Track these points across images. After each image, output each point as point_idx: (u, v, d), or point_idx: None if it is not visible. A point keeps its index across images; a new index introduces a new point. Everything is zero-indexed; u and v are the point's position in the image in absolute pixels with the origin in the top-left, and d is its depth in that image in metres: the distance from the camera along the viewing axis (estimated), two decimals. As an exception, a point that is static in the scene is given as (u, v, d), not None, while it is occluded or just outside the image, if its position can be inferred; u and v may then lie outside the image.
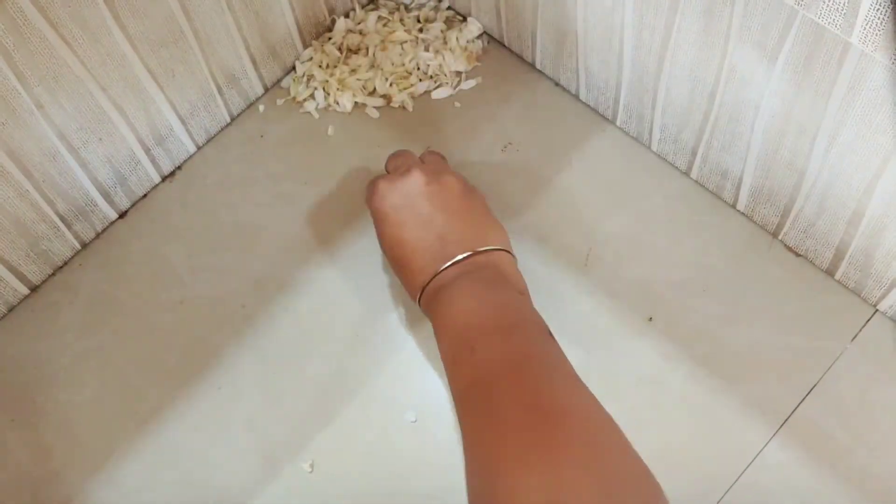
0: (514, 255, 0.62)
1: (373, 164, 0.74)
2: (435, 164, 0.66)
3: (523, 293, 0.60)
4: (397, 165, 0.66)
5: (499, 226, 0.63)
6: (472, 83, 0.77)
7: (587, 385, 0.53)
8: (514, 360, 0.53)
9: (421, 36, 0.77)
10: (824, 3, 0.47)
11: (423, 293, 0.60)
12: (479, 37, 0.78)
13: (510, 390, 0.51)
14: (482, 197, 0.64)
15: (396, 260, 0.62)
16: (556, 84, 0.76)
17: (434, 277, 0.59)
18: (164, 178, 0.74)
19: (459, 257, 0.59)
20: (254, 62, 0.75)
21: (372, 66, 0.77)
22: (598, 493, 0.44)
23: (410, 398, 0.65)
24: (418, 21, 0.79)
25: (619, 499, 0.45)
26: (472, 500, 0.49)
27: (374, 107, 0.76)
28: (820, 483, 0.60)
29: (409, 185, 0.62)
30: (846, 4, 0.46)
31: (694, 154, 0.69)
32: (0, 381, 0.67)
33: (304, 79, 0.77)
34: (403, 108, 0.76)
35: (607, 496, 0.44)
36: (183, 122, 0.72)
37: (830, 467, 0.61)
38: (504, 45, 0.78)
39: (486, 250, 0.60)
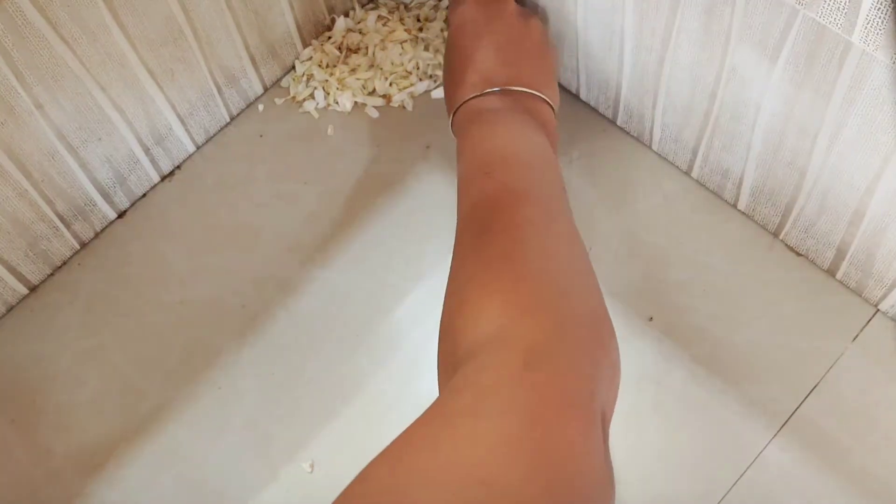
0: (556, 115, 0.64)
1: (373, 163, 0.74)
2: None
3: (553, 148, 0.61)
4: None
5: (555, 81, 0.65)
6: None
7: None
8: (522, 194, 0.54)
9: (421, 35, 0.77)
10: (825, 2, 0.47)
11: (461, 107, 0.62)
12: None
13: (506, 219, 0.53)
14: (556, 55, 0.68)
15: (452, 69, 0.64)
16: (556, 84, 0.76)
17: (478, 97, 0.61)
18: (163, 178, 0.74)
19: (513, 88, 0.61)
20: (253, 61, 0.74)
21: (372, 66, 0.76)
22: (549, 328, 0.46)
23: (410, 398, 0.65)
24: (418, 20, 0.79)
25: (566, 336, 0.46)
26: (444, 309, 0.52)
27: (374, 106, 0.76)
28: (821, 483, 0.60)
29: (498, 10, 0.65)
30: (847, 4, 0.46)
31: (694, 153, 0.68)
32: (0, 381, 0.68)
33: (304, 78, 0.77)
34: (403, 107, 0.76)
35: (557, 333, 0.46)
36: (182, 121, 0.72)
37: (831, 467, 0.60)
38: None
39: (537, 95, 0.62)
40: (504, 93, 0.62)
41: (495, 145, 0.58)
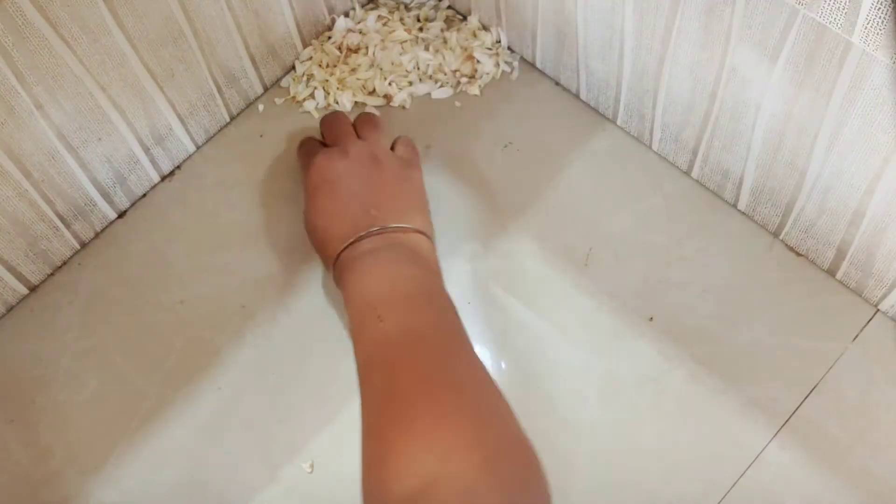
0: (432, 242, 0.64)
1: (373, 163, 0.73)
2: (403, 153, 0.69)
3: (436, 274, 0.62)
4: (336, 136, 0.69)
5: (425, 210, 0.66)
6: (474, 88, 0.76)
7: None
8: (418, 332, 0.55)
9: (421, 35, 0.77)
10: (825, 2, 0.47)
11: (337, 260, 0.62)
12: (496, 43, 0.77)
13: (409, 360, 0.53)
14: (420, 180, 0.68)
15: (318, 229, 0.64)
16: (557, 83, 0.76)
17: (350, 246, 0.61)
18: (163, 178, 0.74)
19: (375, 229, 0.61)
20: (253, 61, 0.74)
21: (371, 66, 0.76)
22: (479, 464, 0.46)
23: (410, 398, 0.65)
24: (418, 20, 0.79)
25: (497, 470, 0.47)
26: (364, 462, 0.51)
27: (374, 106, 0.76)
28: (821, 483, 0.60)
29: (347, 164, 0.65)
30: (847, 4, 0.46)
31: (695, 153, 0.68)
32: (0, 381, 0.68)
33: (304, 78, 0.77)
34: (403, 107, 0.76)
35: (487, 468, 0.46)
36: (182, 121, 0.72)
37: (832, 467, 0.60)
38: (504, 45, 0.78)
39: (404, 228, 0.62)
40: (375, 234, 0.62)
41: (379, 287, 0.58)
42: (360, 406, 0.54)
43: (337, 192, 0.64)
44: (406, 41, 0.77)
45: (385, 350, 0.55)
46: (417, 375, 0.52)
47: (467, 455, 0.47)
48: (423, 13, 0.79)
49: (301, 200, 0.72)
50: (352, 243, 0.61)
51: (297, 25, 0.76)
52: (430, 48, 0.77)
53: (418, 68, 0.77)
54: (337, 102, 0.76)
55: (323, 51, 0.77)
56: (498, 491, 0.45)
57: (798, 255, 0.67)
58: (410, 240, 0.62)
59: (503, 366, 0.65)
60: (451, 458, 0.47)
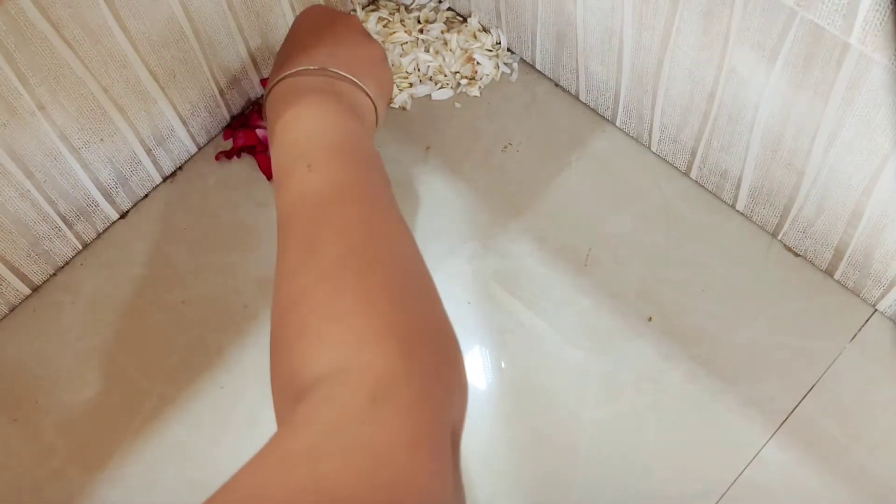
0: (376, 115, 0.60)
1: (373, 164, 0.74)
2: None
3: (372, 138, 0.59)
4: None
5: (386, 97, 0.62)
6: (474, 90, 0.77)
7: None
8: (349, 190, 0.51)
9: (421, 37, 0.78)
10: (824, 3, 0.48)
11: (276, 85, 0.58)
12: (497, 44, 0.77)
13: (336, 221, 0.50)
14: (388, 64, 0.64)
15: (280, 55, 0.62)
16: (556, 84, 0.76)
17: (294, 73, 0.58)
18: (165, 179, 0.75)
19: (333, 70, 0.58)
20: (254, 63, 0.75)
21: (372, 67, 0.77)
22: (394, 354, 0.43)
23: (411, 398, 0.65)
24: (418, 22, 0.79)
25: (412, 360, 0.44)
26: (275, 331, 0.48)
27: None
28: (819, 482, 0.60)
29: (329, 12, 0.64)
30: (845, 5, 0.47)
31: (693, 154, 0.69)
32: (2, 380, 0.68)
33: (305, 79, 0.77)
34: (404, 108, 0.76)
35: (402, 358, 0.43)
36: (184, 122, 0.73)
37: (829, 467, 0.61)
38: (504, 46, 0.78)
39: (352, 80, 0.59)
40: (323, 74, 0.58)
41: (314, 130, 0.54)
42: (277, 260, 0.50)
43: (317, 29, 0.62)
44: (406, 43, 0.77)
45: (311, 204, 0.51)
46: (343, 242, 0.48)
47: (382, 343, 0.43)
48: (423, 15, 0.79)
49: (302, 201, 0.73)
50: (290, 75, 0.58)
51: (298, 27, 0.76)
52: (431, 50, 0.77)
53: (419, 70, 0.77)
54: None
55: (324, 52, 0.77)
56: (409, 384, 0.42)
57: (796, 255, 0.68)
58: (358, 98, 0.58)
59: (503, 366, 0.65)
60: (366, 345, 0.44)
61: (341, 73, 0.59)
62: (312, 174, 0.52)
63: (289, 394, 0.45)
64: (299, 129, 0.55)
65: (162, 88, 0.69)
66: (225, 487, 0.39)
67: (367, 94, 0.59)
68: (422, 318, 0.47)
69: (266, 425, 0.64)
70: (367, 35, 0.64)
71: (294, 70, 0.58)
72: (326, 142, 0.54)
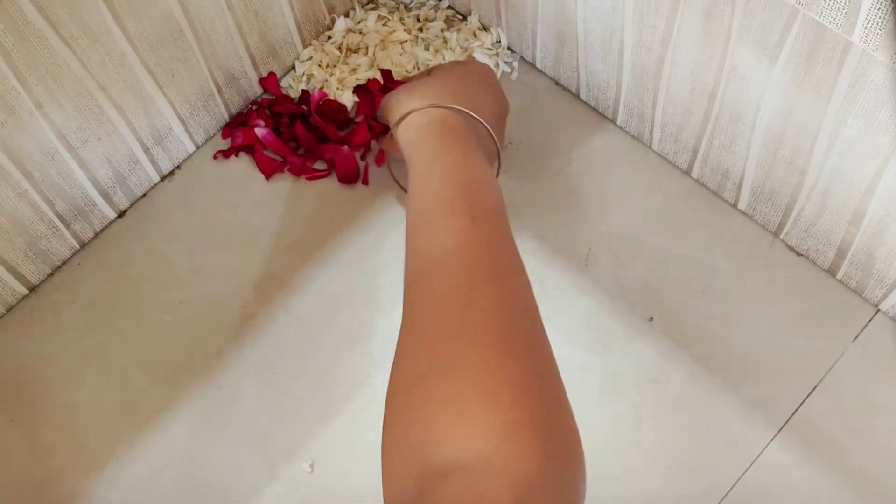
0: (497, 146, 0.61)
1: (372, 163, 0.73)
2: None
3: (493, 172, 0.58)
4: None
5: (502, 123, 0.63)
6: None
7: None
8: (507, 257, 0.49)
9: (421, 35, 0.77)
10: (825, 2, 0.47)
11: (409, 114, 0.58)
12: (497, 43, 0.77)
13: (495, 291, 0.46)
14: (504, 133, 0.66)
15: (426, 81, 0.62)
16: (557, 83, 0.76)
17: (432, 108, 0.58)
18: (163, 178, 0.74)
19: (453, 106, 0.58)
20: (253, 61, 0.74)
21: (372, 66, 0.76)
22: (542, 459, 0.41)
23: (410, 398, 0.65)
24: (418, 20, 0.79)
25: (556, 463, 0.41)
26: (403, 391, 0.45)
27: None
28: (821, 483, 0.60)
29: (494, 78, 0.66)
30: (847, 4, 0.46)
31: (695, 153, 0.68)
32: (0, 381, 0.67)
33: (304, 78, 0.77)
34: (403, 107, 0.76)
35: (548, 459, 0.41)
36: (182, 121, 0.72)
37: (831, 468, 0.60)
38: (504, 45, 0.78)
39: (488, 129, 0.59)
40: (463, 115, 0.58)
41: (466, 176, 0.52)
42: (412, 308, 0.46)
43: (458, 76, 0.62)
44: (406, 41, 0.77)
45: (468, 261, 0.47)
46: (501, 314, 0.45)
47: (532, 441, 0.41)
48: (423, 13, 0.79)
49: (301, 200, 0.73)
50: (428, 107, 0.57)
51: (298, 25, 0.76)
52: (431, 48, 0.77)
53: (418, 68, 0.77)
54: (337, 102, 0.76)
55: (323, 51, 0.77)
56: (554, 489, 0.40)
57: (798, 254, 0.67)
58: (487, 140, 0.59)
59: (503, 366, 0.65)
60: (516, 438, 0.40)
61: (478, 117, 0.59)
62: (475, 228, 0.49)
63: (412, 462, 0.42)
64: (448, 169, 0.52)
65: (160, 87, 0.69)
66: None
67: (495, 143, 0.60)
68: (564, 420, 0.44)
69: (264, 425, 0.64)
70: (498, 83, 0.66)
71: (433, 103, 0.58)
72: (484, 194, 0.51)
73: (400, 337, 0.47)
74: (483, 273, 0.47)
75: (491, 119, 0.61)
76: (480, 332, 0.44)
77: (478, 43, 0.77)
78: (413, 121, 0.59)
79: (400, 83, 0.73)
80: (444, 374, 0.43)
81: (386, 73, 0.75)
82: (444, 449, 0.41)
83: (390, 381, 0.45)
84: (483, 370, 0.43)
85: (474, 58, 0.72)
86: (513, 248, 0.50)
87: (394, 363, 0.46)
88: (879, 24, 0.46)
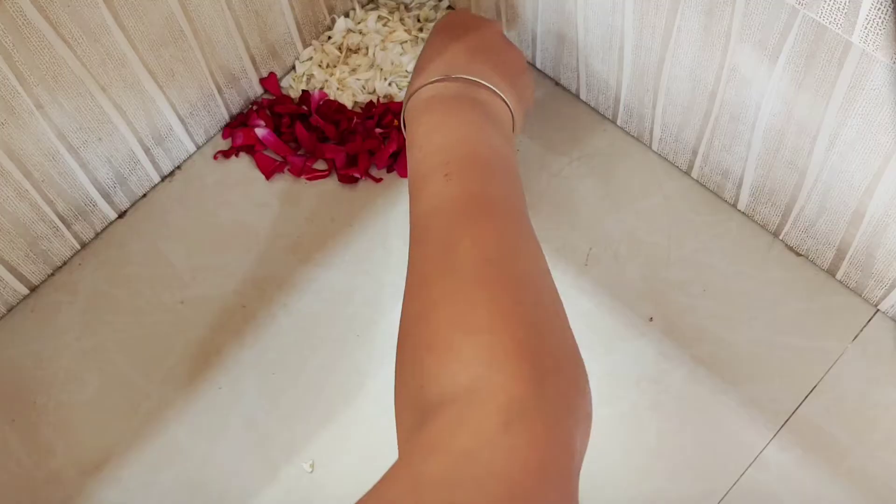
0: (515, 117, 0.60)
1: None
2: None
3: (513, 148, 0.58)
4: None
5: (525, 105, 0.62)
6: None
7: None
8: (487, 202, 0.50)
9: (421, 35, 0.77)
10: (825, 2, 0.47)
11: (415, 93, 0.58)
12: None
13: (474, 232, 0.48)
14: (532, 83, 0.65)
15: (419, 60, 0.61)
16: (557, 84, 0.76)
17: (435, 82, 0.57)
18: (163, 178, 0.74)
19: (474, 79, 0.57)
20: (253, 62, 0.74)
21: (372, 66, 0.77)
22: (527, 377, 0.42)
23: (411, 398, 0.65)
24: (418, 20, 0.79)
25: (545, 386, 0.42)
26: (404, 341, 0.47)
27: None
28: (820, 483, 0.60)
29: (486, 24, 0.63)
30: (847, 4, 0.46)
31: (694, 153, 0.68)
32: (0, 380, 0.67)
33: (304, 78, 0.77)
34: (403, 107, 0.76)
35: (535, 382, 0.42)
36: (182, 121, 0.72)
37: (831, 468, 0.60)
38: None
39: (498, 94, 0.58)
40: (463, 83, 0.58)
41: (453, 138, 0.54)
42: (408, 270, 0.49)
43: (458, 37, 0.61)
44: (406, 41, 0.77)
45: (448, 213, 0.50)
46: (479, 254, 0.47)
47: (518, 365, 0.42)
48: (423, 13, 0.79)
49: (301, 200, 0.73)
50: (436, 81, 0.57)
51: (298, 26, 0.76)
52: (431, 48, 0.77)
53: (418, 68, 0.77)
54: (337, 102, 0.76)
55: (323, 51, 0.77)
56: (541, 410, 0.41)
57: (798, 255, 0.67)
58: (498, 108, 0.58)
59: (503, 366, 0.65)
60: (499, 365, 0.42)
61: (480, 80, 0.58)
62: (450, 184, 0.51)
63: (415, 407, 0.44)
64: (438, 137, 0.54)
65: (160, 87, 0.69)
66: None
67: (506, 103, 0.59)
68: (554, 342, 0.45)
69: (264, 425, 0.64)
70: (508, 42, 0.64)
71: (434, 79, 0.58)
72: (465, 151, 0.53)
73: (404, 290, 0.49)
74: (459, 221, 0.49)
75: (498, 79, 0.59)
76: (458, 274, 0.46)
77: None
78: (407, 107, 0.59)
79: None
80: (428, 320, 0.46)
81: None
82: (436, 389, 0.43)
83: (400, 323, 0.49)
84: (462, 307, 0.45)
85: (469, 13, 0.67)
86: (498, 192, 0.51)
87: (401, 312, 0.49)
88: (879, 24, 0.46)
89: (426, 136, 0.55)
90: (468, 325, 0.44)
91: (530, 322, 0.45)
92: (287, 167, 0.74)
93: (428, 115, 0.56)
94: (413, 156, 0.55)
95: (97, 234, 0.72)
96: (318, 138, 0.74)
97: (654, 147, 0.72)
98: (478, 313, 0.45)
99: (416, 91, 0.58)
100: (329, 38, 0.78)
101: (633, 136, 0.73)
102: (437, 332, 0.45)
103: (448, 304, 0.46)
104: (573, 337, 0.47)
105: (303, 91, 0.76)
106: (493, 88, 0.58)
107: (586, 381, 0.46)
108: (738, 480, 0.61)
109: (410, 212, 0.53)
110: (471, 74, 0.58)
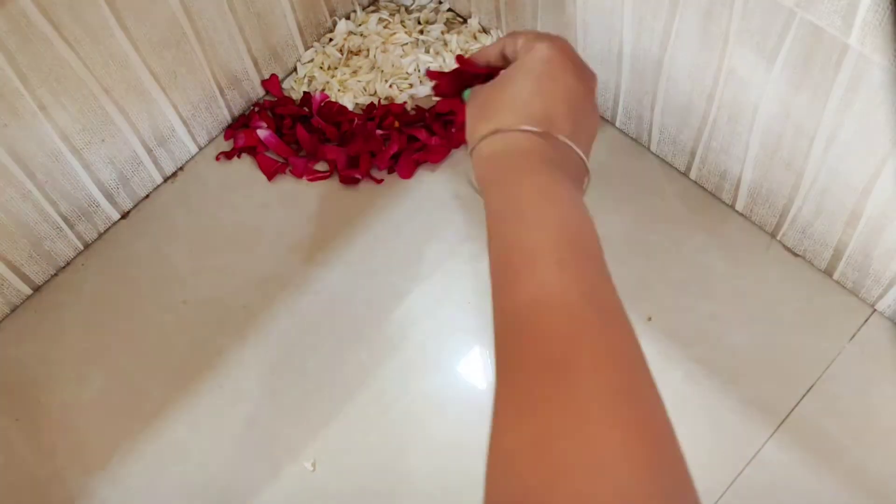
0: (589, 174, 0.50)
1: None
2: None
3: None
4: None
5: (591, 142, 0.51)
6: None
7: None
8: (606, 307, 0.43)
9: (421, 38, 0.78)
10: (823, 4, 0.48)
11: (487, 138, 0.49)
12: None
13: (597, 349, 0.40)
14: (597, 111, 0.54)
15: (495, 87, 0.51)
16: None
17: (514, 132, 0.48)
18: (166, 179, 0.75)
19: (559, 137, 0.48)
20: (255, 64, 0.75)
21: (373, 68, 0.77)
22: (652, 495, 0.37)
23: (411, 397, 0.65)
24: (419, 23, 0.79)
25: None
26: (506, 469, 0.39)
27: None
28: (818, 482, 0.60)
29: (584, 67, 0.52)
30: (844, 6, 0.47)
31: (693, 155, 0.69)
32: (4, 381, 0.68)
33: (306, 80, 0.77)
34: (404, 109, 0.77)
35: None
36: (185, 123, 0.73)
37: (829, 466, 0.61)
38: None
39: (580, 155, 0.49)
40: (562, 145, 0.48)
41: (564, 215, 0.45)
42: (501, 374, 0.42)
43: (537, 73, 0.50)
44: (407, 44, 0.77)
45: (561, 316, 0.41)
46: (606, 375, 0.39)
47: (646, 477, 0.37)
48: (423, 16, 0.79)
49: (302, 201, 0.73)
50: (524, 131, 0.48)
51: (299, 28, 0.76)
52: (431, 50, 0.77)
53: (419, 70, 0.77)
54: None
55: (324, 53, 0.78)
56: None
57: (795, 255, 0.68)
58: (579, 168, 0.48)
59: (503, 365, 0.65)
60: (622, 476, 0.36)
61: (576, 149, 0.49)
62: (564, 275, 0.42)
63: None
64: (549, 208, 0.45)
65: (163, 89, 0.69)
66: None
67: (587, 168, 0.50)
68: (685, 482, 0.40)
69: (265, 425, 0.65)
70: (596, 102, 0.53)
71: (531, 128, 0.48)
72: (576, 234, 0.44)
73: (495, 406, 0.41)
74: (578, 326, 0.41)
75: (579, 136, 0.50)
76: (583, 398, 0.39)
77: (478, 45, 0.77)
78: (483, 149, 0.49)
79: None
80: (545, 448, 0.38)
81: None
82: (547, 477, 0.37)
83: (490, 452, 0.40)
84: (587, 441, 0.38)
85: (572, 49, 0.53)
86: (611, 291, 0.44)
87: (492, 433, 0.41)
88: (876, 26, 0.46)
89: (532, 201, 0.45)
90: (599, 463, 0.37)
91: (662, 461, 0.39)
92: (288, 168, 0.74)
93: (531, 174, 0.46)
94: (493, 229, 0.45)
95: (100, 235, 0.73)
96: (319, 140, 0.74)
97: (653, 148, 0.72)
98: (610, 451, 0.37)
99: (505, 132, 0.48)
100: (330, 40, 0.78)
101: (631, 138, 0.73)
102: (562, 464, 0.37)
103: (573, 434, 0.38)
104: (685, 461, 0.41)
105: (304, 93, 0.76)
106: (585, 160, 0.49)
107: None
108: (735, 479, 0.61)
109: (496, 302, 0.44)
110: (571, 139, 0.49)
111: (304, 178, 0.74)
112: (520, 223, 0.45)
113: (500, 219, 0.46)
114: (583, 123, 0.50)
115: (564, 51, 0.51)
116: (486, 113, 0.50)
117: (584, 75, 0.51)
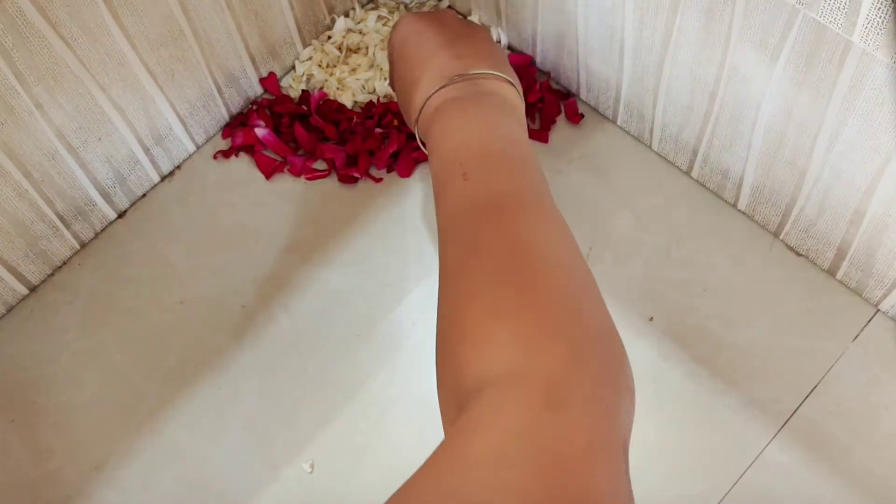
0: (519, 92, 0.59)
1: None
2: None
3: (525, 131, 0.58)
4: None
5: (509, 65, 0.61)
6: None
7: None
8: (506, 195, 0.51)
9: (421, 35, 0.77)
10: (826, 1, 0.47)
11: (421, 113, 0.58)
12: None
13: (496, 226, 0.49)
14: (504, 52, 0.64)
15: (404, 81, 0.60)
16: (557, 83, 0.76)
17: (436, 92, 0.57)
18: (163, 178, 0.74)
19: (461, 74, 0.57)
20: (253, 61, 0.74)
21: (372, 66, 0.76)
22: (565, 357, 0.42)
23: (411, 398, 0.65)
24: (418, 20, 0.79)
25: (584, 364, 0.42)
26: (441, 336, 0.48)
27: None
28: (821, 483, 0.60)
29: (438, 17, 0.62)
30: (847, 3, 0.46)
31: (695, 153, 0.68)
32: (0, 381, 0.68)
33: (304, 78, 0.77)
34: (403, 107, 0.76)
35: (574, 361, 0.42)
36: (182, 121, 0.72)
37: (832, 467, 0.60)
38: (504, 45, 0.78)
39: (495, 75, 0.58)
40: (463, 81, 0.57)
41: (465, 138, 0.54)
42: (439, 273, 0.50)
43: (424, 42, 0.60)
44: (406, 41, 0.77)
45: (469, 212, 0.50)
46: (505, 245, 0.47)
47: (554, 346, 0.42)
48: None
49: (301, 200, 0.73)
50: (437, 90, 0.57)
51: (298, 25, 0.76)
52: (430, 48, 0.77)
53: (418, 68, 0.77)
54: (337, 102, 0.76)
55: (323, 51, 0.77)
56: (583, 388, 0.41)
57: (798, 255, 0.67)
58: (501, 89, 0.58)
59: (503, 366, 0.65)
60: (537, 347, 0.42)
61: (478, 72, 0.58)
62: (468, 184, 0.51)
63: (454, 397, 0.44)
64: (452, 140, 0.55)
65: (160, 87, 0.69)
66: (403, 493, 0.38)
67: (511, 84, 0.58)
68: (590, 320, 0.46)
69: (263, 426, 0.64)
70: (469, 22, 0.63)
71: (435, 89, 0.57)
72: (478, 149, 0.53)
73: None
74: (481, 218, 0.49)
75: (491, 64, 0.59)
76: (484, 267, 0.47)
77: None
78: (422, 120, 0.58)
79: None
80: (461, 315, 0.46)
81: None
82: (474, 376, 0.43)
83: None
84: (493, 298, 0.45)
85: (420, 15, 0.64)
86: (514, 183, 0.52)
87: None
88: (880, 23, 0.46)
89: (440, 143, 0.55)
90: (500, 314, 0.44)
91: (563, 303, 0.45)
92: (287, 167, 0.74)
93: (439, 122, 0.56)
94: (433, 164, 0.55)
95: (97, 234, 0.72)
96: (317, 138, 0.74)
97: (655, 147, 0.72)
98: (509, 301, 0.45)
99: (423, 105, 0.58)
100: (329, 37, 0.78)
101: (633, 136, 0.73)
102: (470, 324, 0.45)
103: (478, 296, 0.46)
104: (608, 313, 0.47)
105: (302, 91, 0.76)
106: (495, 73, 0.58)
107: (625, 356, 0.46)
108: (738, 481, 0.61)
109: (437, 215, 0.53)
110: (468, 69, 0.58)
111: (303, 176, 0.73)
112: (436, 159, 0.55)
113: (431, 153, 0.56)
114: (475, 49, 0.59)
115: (409, 25, 0.62)
116: (404, 103, 0.61)
117: (441, 21, 0.62)
